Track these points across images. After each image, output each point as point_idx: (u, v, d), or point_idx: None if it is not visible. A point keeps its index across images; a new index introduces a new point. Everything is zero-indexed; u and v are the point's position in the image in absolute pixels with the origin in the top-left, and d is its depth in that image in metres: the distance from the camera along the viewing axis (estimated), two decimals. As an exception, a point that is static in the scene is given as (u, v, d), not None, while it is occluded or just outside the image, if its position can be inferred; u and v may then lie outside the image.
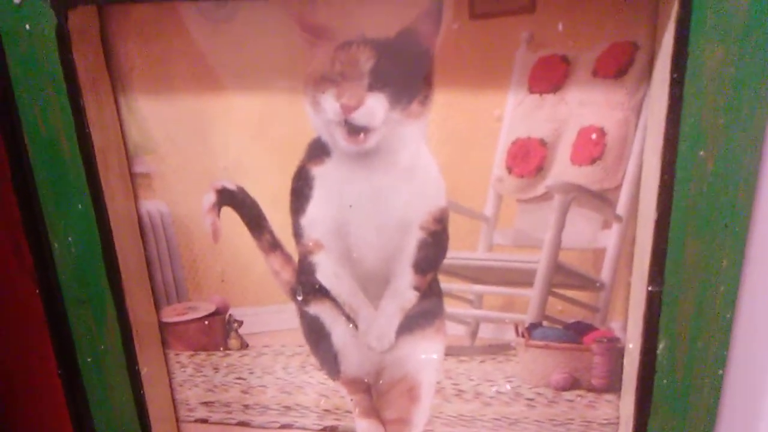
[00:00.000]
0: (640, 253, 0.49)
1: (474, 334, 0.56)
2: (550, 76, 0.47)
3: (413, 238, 0.53)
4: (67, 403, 0.58)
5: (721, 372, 0.48)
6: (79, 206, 0.50)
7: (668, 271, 0.46)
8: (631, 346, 0.51)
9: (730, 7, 0.39)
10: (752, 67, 0.40)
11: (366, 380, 0.58)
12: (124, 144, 0.53)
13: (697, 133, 0.42)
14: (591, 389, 0.55)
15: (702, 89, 0.41)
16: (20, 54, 0.47)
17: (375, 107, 0.49)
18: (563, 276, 0.52)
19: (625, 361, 0.53)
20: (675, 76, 0.41)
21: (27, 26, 0.46)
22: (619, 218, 0.50)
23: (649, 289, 0.46)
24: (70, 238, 0.51)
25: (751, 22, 0.40)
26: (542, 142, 0.49)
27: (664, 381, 0.48)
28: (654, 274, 0.46)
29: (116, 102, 0.52)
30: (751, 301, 0.51)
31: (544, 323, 0.54)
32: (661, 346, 0.48)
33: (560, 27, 0.46)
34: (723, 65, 0.41)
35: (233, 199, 0.54)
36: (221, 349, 0.60)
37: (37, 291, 0.54)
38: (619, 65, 0.46)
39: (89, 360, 0.55)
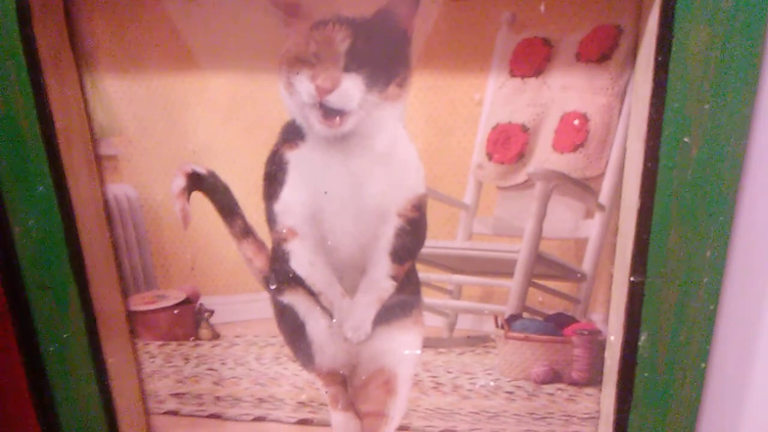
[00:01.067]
0: (623, 243, 0.47)
1: (452, 325, 0.55)
2: (531, 59, 0.46)
3: (390, 226, 0.52)
4: (30, 394, 0.56)
5: (703, 365, 0.47)
6: (40, 188, 0.48)
7: (651, 262, 0.45)
8: (612, 338, 0.50)
9: None
10: (738, 50, 0.39)
11: (342, 372, 0.57)
12: (90, 125, 0.51)
13: (682, 119, 0.41)
14: (571, 383, 0.54)
15: (687, 73, 0.40)
16: None
17: (351, 89, 0.48)
18: (544, 266, 0.51)
19: (607, 353, 0.52)
20: (659, 59, 0.40)
21: None
22: (601, 207, 0.49)
23: (631, 279, 0.45)
24: (31, 222, 0.49)
25: (738, 4, 0.38)
26: (523, 128, 0.48)
27: (646, 374, 0.47)
28: (636, 264, 0.45)
29: (81, 80, 0.50)
30: (736, 292, 0.50)
31: (524, 315, 0.53)
32: (642, 338, 0.47)
33: (542, 8, 0.45)
34: (708, 48, 0.39)
35: (204, 183, 0.53)
36: (192, 338, 0.58)
37: None
38: (603, 49, 0.45)
39: (52, 349, 0.53)
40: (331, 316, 0.55)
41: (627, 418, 0.49)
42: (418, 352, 0.55)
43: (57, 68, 0.48)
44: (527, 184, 0.49)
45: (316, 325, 0.56)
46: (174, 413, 0.60)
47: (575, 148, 0.48)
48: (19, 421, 0.62)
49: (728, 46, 0.39)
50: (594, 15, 0.44)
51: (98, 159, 0.52)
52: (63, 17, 0.48)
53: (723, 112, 0.41)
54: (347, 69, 0.47)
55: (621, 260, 0.48)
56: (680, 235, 0.44)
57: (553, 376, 0.54)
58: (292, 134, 0.50)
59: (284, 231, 0.53)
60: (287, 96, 0.49)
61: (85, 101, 0.51)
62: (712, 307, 0.45)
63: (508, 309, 0.53)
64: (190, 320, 0.57)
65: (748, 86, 0.40)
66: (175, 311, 0.57)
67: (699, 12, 0.39)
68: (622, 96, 0.46)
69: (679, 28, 0.39)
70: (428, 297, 0.54)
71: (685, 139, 0.41)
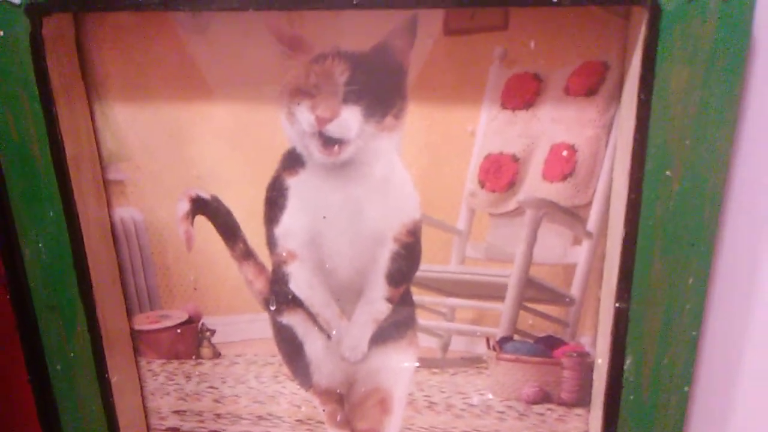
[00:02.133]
0: (609, 270, 0.49)
1: (446, 346, 0.56)
2: (522, 93, 0.48)
3: (386, 250, 0.53)
4: (37, 411, 0.57)
5: (686, 389, 0.48)
6: (51, 213, 0.50)
7: (635, 289, 0.46)
8: (600, 361, 0.52)
9: (697, 31, 0.40)
10: (718, 90, 0.41)
11: (338, 391, 0.59)
12: (98, 151, 0.53)
13: (664, 153, 0.43)
14: (561, 403, 0.56)
15: (668, 110, 0.42)
16: None
17: (349, 120, 0.49)
18: (534, 290, 0.53)
19: (594, 376, 0.54)
20: (642, 97, 0.42)
21: (0, 32, 0.46)
22: (589, 234, 0.51)
23: (617, 305, 0.47)
24: (41, 245, 0.51)
25: (717, 46, 0.40)
26: (514, 158, 0.50)
27: (631, 397, 0.49)
28: (621, 291, 0.46)
29: (91, 109, 0.52)
30: (718, 318, 0.51)
31: (515, 337, 0.55)
32: (627, 362, 0.48)
33: (532, 45, 0.46)
34: (689, 87, 0.41)
35: (207, 207, 0.54)
36: (193, 357, 0.59)
37: (8, 297, 0.53)
38: (590, 84, 0.47)
39: (59, 367, 0.55)
40: (329, 337, 0.57)
41: None
42: (412, 371, 0.57)
43: (68, 98, 0.49)
44: (518, 211, 0.51)
45: (314, 345, 0.57)
46: (175, 430, 0.62)
47: (564, 178, 0.50)
48: None
49: (708, 85, 0.41)
50: (581, 51, 0.46)
51: (106, 183, 0.54)
52: (74, 49, 0.50)
53: (703, 147, 0.42)
54: (346, 100, 0.49)
55: (607, 286, 0.49)
56: (663, 263, 0.45)
57: (543, 397, 0.56)
58: (293, 162, 0.52)
59: (284, 254, 0.55)
60: (288, 125, 0.51)
61: (95, 129, 0.52)
62: (694, 333, 0.47)
63: (499, 331, 0.54)
64: (192, 339, 0.59)
65: (726, 123, 0.42)
66: (178, 330, 0.58)
67: (680, 53, 0.41)
68: (608, 128, 0.48)
69: (661, 68, 0.41)
70: (423, 319, 0.55)
71: (667, 173, 0.43)
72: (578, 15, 0.45)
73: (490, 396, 0.56)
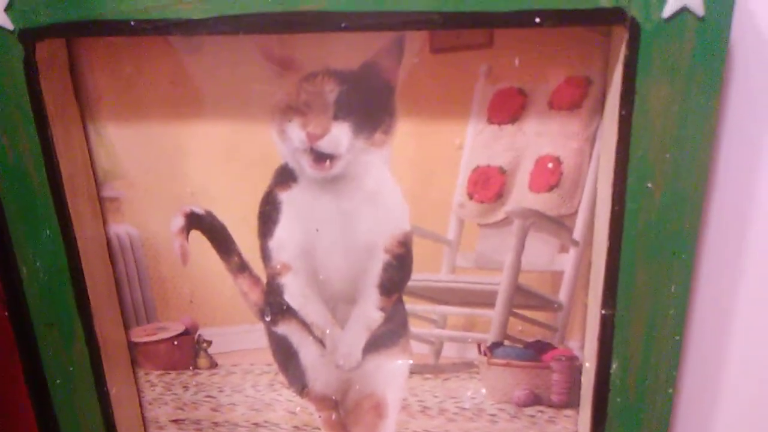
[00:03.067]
0: (595, 278, 0.50)
1: (438, 352, 0.57)
2: (507, 108, 0.49)
3: (378, 261, 0.54)
4: (37, 424, 0.58)
5: (671, 391, 0.50)
6: (47, 232, 0.50)
7: (620, 296, 0.47)
8: (587, 365, 0.53)
9: (675, 48, 0.41)
10: (696, 105, 0.42)
11: (333, 397, 0.60)
12: (93, 170, 0.54)
13: (645, 166, 0.44)
14: (551, 405, 0.57)
15: (649, 125, 0.43)
16: None
17: (339, 136, 0.50)
18: (523, 297, 0.54)
19: (583, 379, 0.55)
20: (623, 112, 0.43)
21: None
22: (575, 243, 0.52)
23: (603, 312, 0.48)
24: (38, 263, 0.51)
25: (694, 62, 0.41)
26: (501, 170, 0.51)
27: (618, 399, 0.50)
28: (606, 298, 0.48)
29: (85, 129, 0.52)
30: (700, 323, 0.53)
31: (506, 342, 0.56)
32: (614, 366, 0.49)
33: (517, 62, 0.48)
34: (668, 103, 0.42)
35: (201, 222, 0.55)
36: (191, 368, 0.60)
37: (6, 314, 0.54)
38: (574, 98, 0.48)
39: (58, 381, 0.55)
40: (323, 345, 0.58)
41: None
42: (405, 377, 0.58)
43: (62, 119, 0.50)
44: (506, 221, 0.52)
45: (308, 353, 0.58)
46: None
47: (550, 189, 0.51)
48: None
49: (686, 100, 0.42)
50: (565, 67, 0.47)
51: (102, 201, 0.55)
52: (68, 72, 0.50)
53: (683, 160, 0.44)
54: (336, 117, 0.50)
55: (593, 293, 0.51)
56: (646, 271, 0.46)
57: (534, 399, 0.57)
58: (285, 177, 0.53)
59: (278, 266, 0.56)
60: (280, 142, 0.51)
61: (89, 148, 0.53)
62: (677, 338, 0.48)
63: (490, 337, 0.56)
64: (189, 350, 0.60)
65: (705, 137, 0.43)
66: (175, 342, 0.59)
67: (658, 70, 0.42)
68: (592, 141, 0.49)
69: (641, 84, 0.42)
70: (415, 327, 0.56)
71: (649, 185, 0.44)
72: (561, 33, 0.46)
73: (483, 391, 0.58)
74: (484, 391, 0.57)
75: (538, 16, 0.41)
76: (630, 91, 0.43)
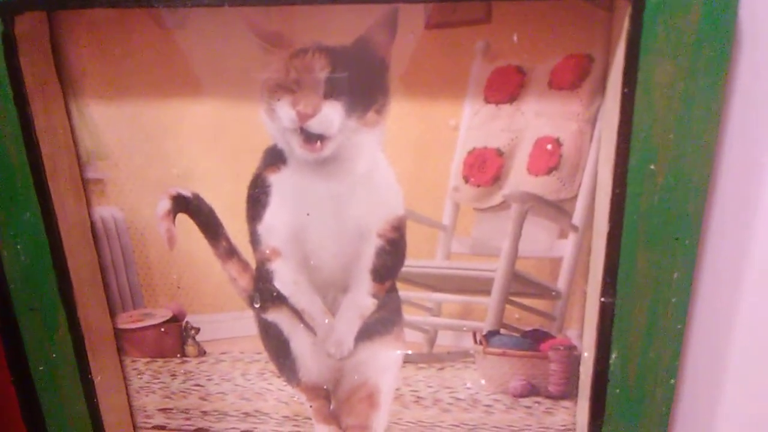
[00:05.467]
0: (595, 264, 0.49)
1: (432, 341, 0.56)
2: (505, 87, 0.48)
3: (371, 246, 0.53)
4: (21, 412, 0.57)
5: (673, 381, 0.49)
6: (28, 214, 0.49)
7: (620, 283, 0.46)
8: (586, 354, 0.52)
9: (681, 23, 0.40)
10: (702, 83, 0.41)
11: (325, 387, 0.59)
12: (76, 150, 0.53)
13: (648, 147, 0.43)
14: (548, 396, 0.56)
15: (652, 104, 0.42)
16: None
17: (331, 115, 0.49)
18: (520, 284, 0.53)
19: (581, 369, 0.54)
20: (626, 90, 0.41)
21: None
22: (575, 228, 0.50)
23: (602, 300, 0.47)
24: (19, 247, 0.50)
25: (701, 37, 0.40)
26: (499, 152, 0.50)
27: (617, 390, 0.49)
28: (606, 285, 0.46)
29: (67, 107, 0.51)
30: (704, 311, 0.51)
31: (502, 331, 0.55)
32: (613, 356, 0.48)
33: (515, 38, 0.46)
34: (673, 81, 0.41)
35: (188, 205, 0.54)
36: (178, 355, 0.59)
37: None
38: (574, 77, 0.47)
39: (42, 368, 0.55)
40: (315, 333, 0.57)
41: None
42: (399, 366, 0.57)
43: (43, 96, 0.49)
44: (503, 205, 0.51)
45: (299, 341, 0.57)
46: (162, 428, 0.62)
47: (549, 171, 0.49)
48: None
49: (692, 78, 0.41)
50: (565, 44, 0.46)
51: (85, 183, 0.54)
52: (49, 47, 0.49)
53: (687, 141, 0.42)
54: (327, 96, 0.48)
55: (593, 281, 0.49)
56: (648, 257, 0.45)
57: (531, 390, 0.56)
58: (274, 158, 0.51)
59: (268, 251, 0.54)
60: (269, 121, 0.50)
61: (72, 127, 0.52)
62: (679, 326, 0.47)
63: (486, 325, 0.54)
64: (176, 337, 0.59)
65: (711, 117, 0.42)
66: (162, 329, 0.58)
67: (663, 47, 0.40)
68: (593, 122, 0.48)
69: (644, 61, 0.41)
70: (409, 314, 0.55)
71: (652, 167, 0.43)
72: (561, 7, 0.45)
73: (483, 382, 0.56)
74: (483, 381, 0.57)
75: (537, -11, 0.40)
76: (633, 68, 0.41)
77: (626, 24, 0.40)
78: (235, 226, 0.54)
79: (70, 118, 0.52)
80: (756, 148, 0.47)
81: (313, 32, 0.47)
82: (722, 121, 0.46)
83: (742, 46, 0.45)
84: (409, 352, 0.56)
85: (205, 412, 0.61)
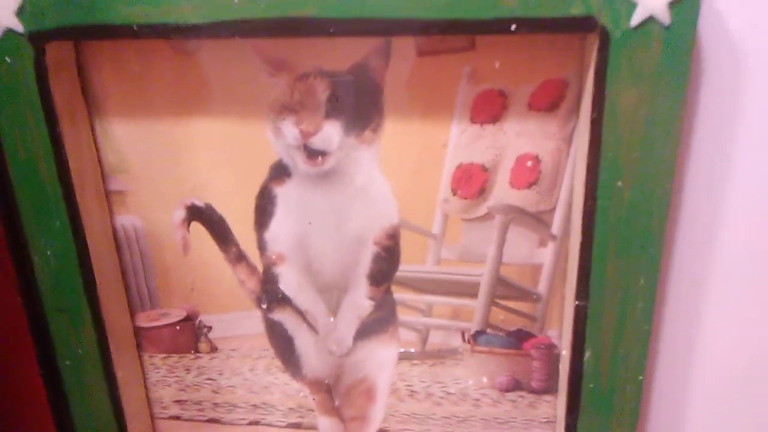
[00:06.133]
0: (571, 270, 0.53)
1: (425, 340, 0.60)
2: (489, 109, 0.51)
3: (368, 252, 0.57)
4: (48, 404, 0.60)
5: (641, 378, 0.52)
6: (57, 223, 0.53)
7: (592, 288, 0.50)
8: (564, 353, 0.56)
9: (642, 56, 0.43)
10: (662, 108, 0.45)
11: (327, 381, 0.62)
12: (100, 164, 0.56)
13: (615, 166, 0.46)
14: (531, 391, 0.59)
15: (618, 127, 0.45)
16: (1, 85, 0.49)
17: (331, 133, 0.53)
18: (504, 288, 0.57)
19: (560, 366, 0.58)
20: (594, 115, 0.45)
21: (7, 59, 0.49)
22: (553, 237, 0.55)
23: (576, 303, 0.51)
24: (49, 252, 0.54)
25: (660, 69, 0.44)
26: (483, 168, 0.54)
27: (591, 385, 0.53)
28: (580, 290, 0.50)
29: (92, 126, 0.55)
30: (668, 313, 0.56)
31: (488, 331, 0.58)
32: (587, 354, 0.52)
33: (497, 64, 0.50)
34: (637, 106, 0.45)
35: (201, 215, 0.57)
36: (192, 352, 0.63)
37: (20, 300, 0.56)
38: (552, 100, 0.50)
39: (68, 363, 0.58)
40: (317, 332, 0.60)
41: (576, 423, 0.54)
42: (394, 363, 0.60)
43: (71, 116, 0.53)
44: (488, 216, 0.55)
45: (303, 339, 0.61)
46: (177, 418, 0.65)
47: (529, 185, 0.53)
48: (39, 428, 0.68)
49: (653, 104, 0.44)
50: (543, 70, 0.50)
51: (108, 194, 0.57)
52: (75, 72, 0.53)
53: (650, 160, 0.46)
54: (328, 115, 0.52)
55: (570, 285, 0.53)
56: (617, 265, 0.49)
57: (515, 385, 0.60)
58: (280, 172, 0.55)
59: (274, 256, 0.58)
60: (275, 139, 0.54)
61: (96, 144, 0.56)
62: (646, 327, 0.50)
63: (473, 326, 0.58)
64: (190, 335, 0.62)
65: (671, 139, 0.45)
66: (177, 327, 0.62)
67: (627, 75, 0.44)
68: (569, 140, 0.51)
69: (610, 89, 0.44)
70: (403, 315, 0.59)
71: (619, 183, 0.47)
72: (538, 37, 0.48)
73: (470, 382, 0.60)
74: (485, 379, 0.59)
75: (515, 23, 0.44)
76: (600, 96, 0.45)
77: (594, 56, 0.45)
78: (244, 234, 0.58)
79: (94, 136, 0.55)
80: (717, 166, 0.51)
81: (315, 59, 0.51)
82: (686, 141, 0.50)
83: (703, 73, 0.49)
84: (404, 349, 0.60)
85: (216, 404, 0.64)
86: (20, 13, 0.47)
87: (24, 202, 0.53)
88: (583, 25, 0.43)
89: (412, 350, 0.60)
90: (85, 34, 0.48)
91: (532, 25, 0.44)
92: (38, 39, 0.48)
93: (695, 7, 0.42)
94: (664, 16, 0.43)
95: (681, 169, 0.51)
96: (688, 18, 0.43)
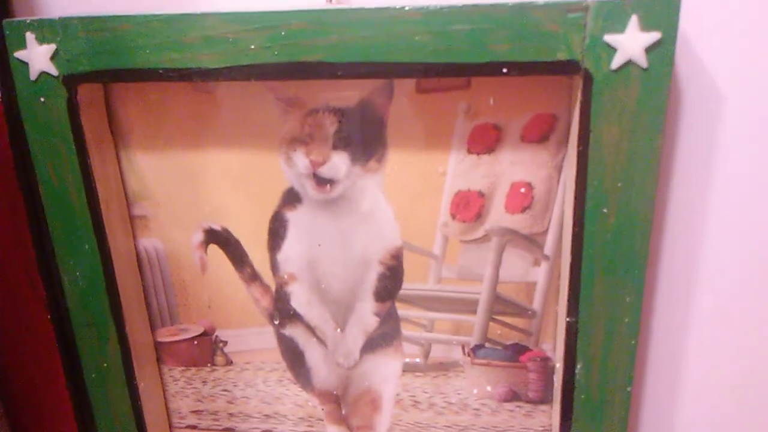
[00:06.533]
0: (563, 288, 0.57)
1: (427, 353, 0.62)
2: (484, 141, 0.55)
3: (373, 272, 0.59)
4: (74, 413, 0.63)
5: (629, 389, 0.55)
6: (86, 246, 0.57)
7: (582, 305, 0.53)
8: (558, 365, 0.60)
9: (623, 95, 0.47)
10: (642, 142, 0.48)
11: (335, 392, 0.64)
12: (125, 191, 0.60)
13: (600, 194, 0.50)
14: (528, 401, 0.62)
15: (602, 159, 0.49)
16: (36, 121, 0.53)
17: (339, 163, 0.56)
18: (501, 305, 0.59)
19: (555, 377, 0.61)
20: (580, 148, 0.49)
21: (42, 99, 0.53)
22: (546, 257, 0.58)
23: (567, 319, 0.54)
24: (78, 273, 0.57)
25: (640, 106, 0.47)
26: (480, 194, 0.57)
27: (582, 396, 0.56)
28: (570, 307, 0.53)
29: (118, 157, 0.59)
30: (654, 327, 0.59)
31: (487, 344, 0.61)
32: (578, 366, 0.55)
33: (491, 101, 0.53)
34: (619, 140, 0.48)
35: (218, 237, 0.61)
36: (209, 365, 0.65)
37: (49, 317, 0.60)
38: (542, 132, 0.54)
39: (94, 376, 0.61)
40: (326, 346, 0.63)
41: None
42: (398, 375, 0.63)
43: (99, 148, 0.56)
44: (485, 238, 0.58)
45: (313, 353, 0.63)
46: (194, 427, 0.68)
47: (523, 210, 0.57)
48: None
49: (634, 139, 0.48)
50: (534, 106, 0.53)
51: (132, 219, 0.60)
52: (104, 108, 0.57)
53: (632, 188, 0.49)
54: (335, 147, 0.55)
55: (562, 302, 0.57)
56: (604, 284, 0.52)
57: (513, 396, 0.62)
58: (291, 198, 0.58)
59: (285, 276, 0.61)
60: (287, 168, 0.57)
61: (122, 173, 0.59)
62: (633, 342, 0.53)
63: (473, 340, 0.61)
64: (207, 349, 0.65)
65: (651, 169, 0.49)
66: (195, 342, 0.65)
67: (609, 113, 0.48)
68: (560, 168, 0.55)
69: (594, 125, 0.48)
70: (406, 330, 0.61)
71: (604, 210, 0.50)
72: (529, 77, 0.52)
73: (475, 391, 0.62)
74: (489, 388, 0.62)
75: (506, 67, 0.48)
76: (586, 131, 0.48)
77: (579, 95, 0.48)
78: (258, 255, 0.60)
79: (120, 166, 0.59)
80: (697, 192, 0.55)
81: (324, 96, 0.54)
82: (666, 169, 0.54)
83: (681, 107, 0.53)
84: (408, 360, 0.63)
85: (231, 414, 0.67)
86: (54, 57, 0.52)
87: (55, 227, 0.57)
88: (568, 68, 0.47)
89: (417, 360, 0.62)
90: (115, 78, 0.52)
91: (521, 69, 0.48)
92: (71, 81, 0.52)
93: (670, 51, 0.46)
94: (641, 59, 0.46)
95: (662, 195, 0.55)
96: (664, 60, 0.46)
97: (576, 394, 0.56)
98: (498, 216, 0.57)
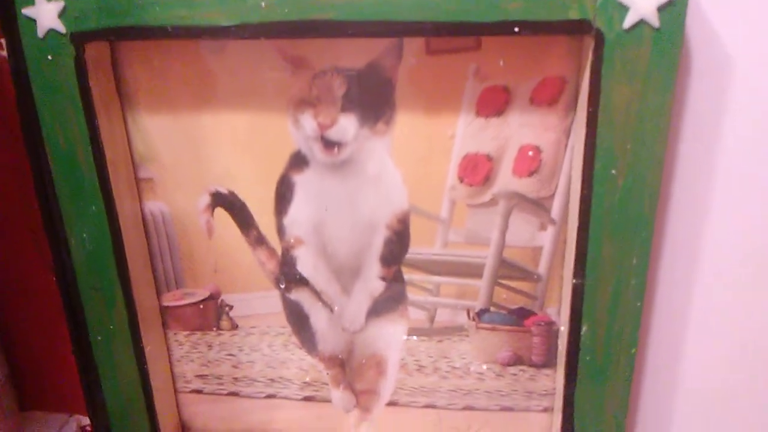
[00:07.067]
0: (569, 251, 0.57)
1: (432, 318, 0.63)
2: (494, 103, 0.55)
3: (380, 236, 0.60)
4: (80, 376, 0.63)
5: (633, 350, 0.56)
6: (93, 208, 0.57)
7: (588, 267, 0.53)
8: (562, 329, 0.60)
9: (634, 55, 0.47)
10: (652, 104, 0.48)
11: (340, 357, 0.65)
12: (131, 154, 0.60)
13: (609, 156, 0.50)
14: (532, 365, 0.63)
15: (612, 120, 0.49)
16: (44, 80, 0.53)
17: (346, 126, 0.56)
18: (507, 269, 0.60)
19: (559, 341, 0.62)
20: (590, 109, 0.49)
21: (49, 56, 0.52)
22: (553, 221, 0.58)
23: (574, 281, 0.55)
24: (84, 235, 0.57)
25: (650, 67, 0.47)
26: (488, 157, 0.57)
27: (587, 358, 0.56)
28: (577, 269, 0.54)
29: (124, 118, 0.58)
30: (659, 290, 0.60)
31: (492, 309, 0.61)
32: (584, 329, 0.55)
33: (501, 63, 0.53)
34: (629, 101, 0.48)
35: (225, 201, 0.61)
36: (214, 329, 0.66)
37: (55, 280, 0.59)
38: (551, 95, 0.54)
39: (100, 339, 0.61)
40: (331, 310, 0.63)
41: (573, 393, 0.58)
42: (403, 339, 0.64)
43: (106, 110, 0.56)
44: (492, 202, 0.58)
45: (318, 317, 0.64)
46: (199, 392, 0.69)
47: (531, 174, 0.57)
48: (71, 399, 0.72)
49: (644, 99, 0.48)
50: (543, 68, 0.53)
51: (138, 181, 0.61)
52: (111, 69, 0.56)
53: (641, 150, 0.49)
54: (343, 109, 0.55)
55: (567, 266, 0.57)
56: (611, 246, 0.52)
57: (517, 359, 0.63)
58: (298, 161, 0.58)
59: (292, 240, 0.62)
60: (294, 131, 0.57)
61: (128, 135, 0.59)
62: (638, 304, 0.54)
63: (478, 304, 0.61)
64: (212, 314, 0.65)
65: (660, 131, 0.49)
66: (201, 306, 0.65)
67: (620, 73, 0.48)
68: (568, 132, 0.55)
69: (605, 85, 0.48)
70: (412, 294, 0.62)
71: (612, 171, 0.50)
72: (539, 38, 0.52)
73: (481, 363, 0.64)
74: (485, 366, 0.63)
75: (517, 26, 0.48)
76: (596, 91, 0.49)
77: (590, 55, 0.49)
78: (264, 219, 0.61)
79: (126, 128, 0.59)
80: (705, 156, 0.55)
81: (332, 57, 0.54)
82: (676, 133, 0.54)
83: (691, 70, 0.53)
84: (413, 327, 0.64)
85: (236, 379, 0.68)
86: (62, 14, 0.51)
87: (63, 189, 0.57)
88: (580, 27, 0.47)
89: (417, 327, 0.63)
90: (123, 35, 0.51)
91: (533, 28, 0.48)
92: (79, 39, 0.52)
93: (682, 11, 0.46)
94: (653, 19, 0.46)
95: (670, 158, 0.55)
96: (676, 21, 0.47)
97: (581, 355, 0.57)
98: (506, 180, 0.58)
